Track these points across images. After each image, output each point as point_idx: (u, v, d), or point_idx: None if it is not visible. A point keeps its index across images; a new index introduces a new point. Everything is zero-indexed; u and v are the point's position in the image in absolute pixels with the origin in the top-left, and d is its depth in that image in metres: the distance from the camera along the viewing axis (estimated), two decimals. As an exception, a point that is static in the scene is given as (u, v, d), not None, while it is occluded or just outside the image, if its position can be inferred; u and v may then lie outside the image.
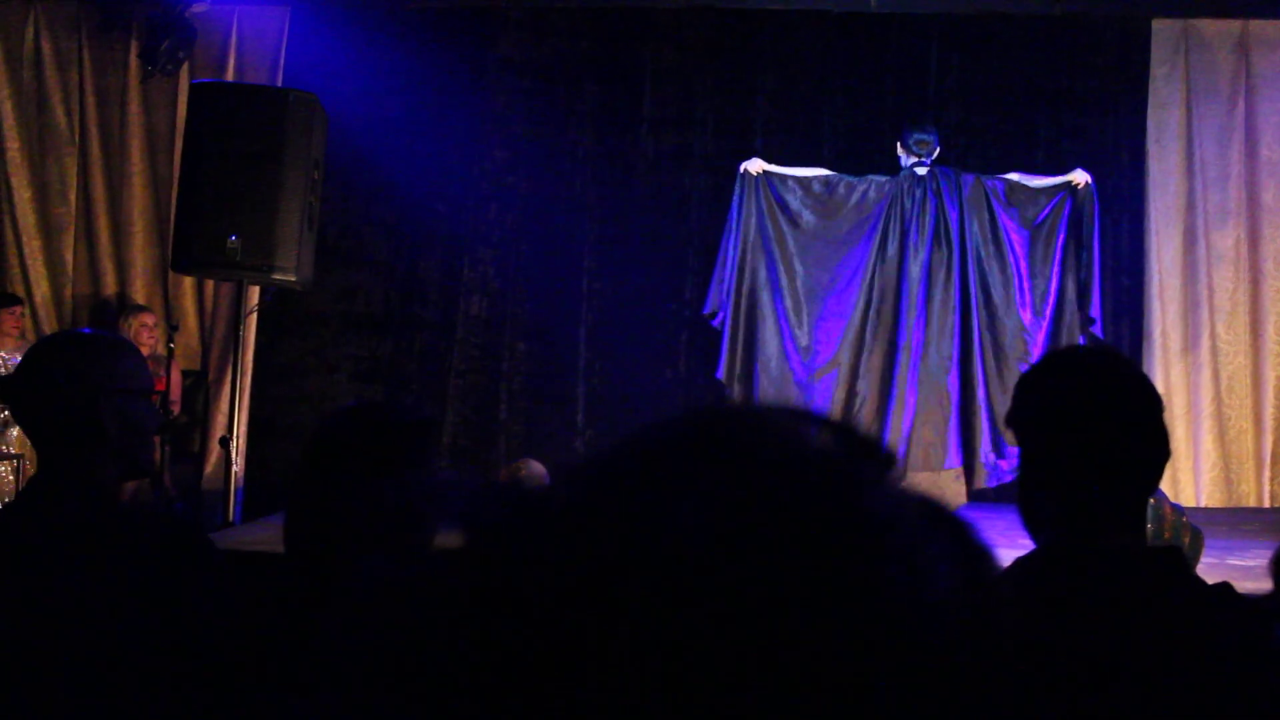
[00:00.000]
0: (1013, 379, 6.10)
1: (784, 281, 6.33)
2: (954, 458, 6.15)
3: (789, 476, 0.40)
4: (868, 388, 6.22)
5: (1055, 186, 6.35)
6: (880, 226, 6.29)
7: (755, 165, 6.47)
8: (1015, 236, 6.28)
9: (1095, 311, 6.26)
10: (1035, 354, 6.13)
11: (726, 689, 0.36)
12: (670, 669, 0.36)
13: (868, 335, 6.25)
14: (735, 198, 6.47)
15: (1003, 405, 6.13)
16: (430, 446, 1.72)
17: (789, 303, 6.32)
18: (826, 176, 6.48)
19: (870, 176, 6.46)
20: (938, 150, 6.41)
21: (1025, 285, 6.27)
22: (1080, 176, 6.32)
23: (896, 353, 6.17)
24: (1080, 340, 6.20)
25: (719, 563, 0.37)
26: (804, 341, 6.30)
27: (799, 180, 6.45)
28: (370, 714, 0.36)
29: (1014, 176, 6.47)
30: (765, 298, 6.32)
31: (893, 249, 6.26)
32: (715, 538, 0.38)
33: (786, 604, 0.37)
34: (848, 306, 6.28)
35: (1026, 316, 6.23)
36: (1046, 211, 6.30)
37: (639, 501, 0.39)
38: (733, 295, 6.37)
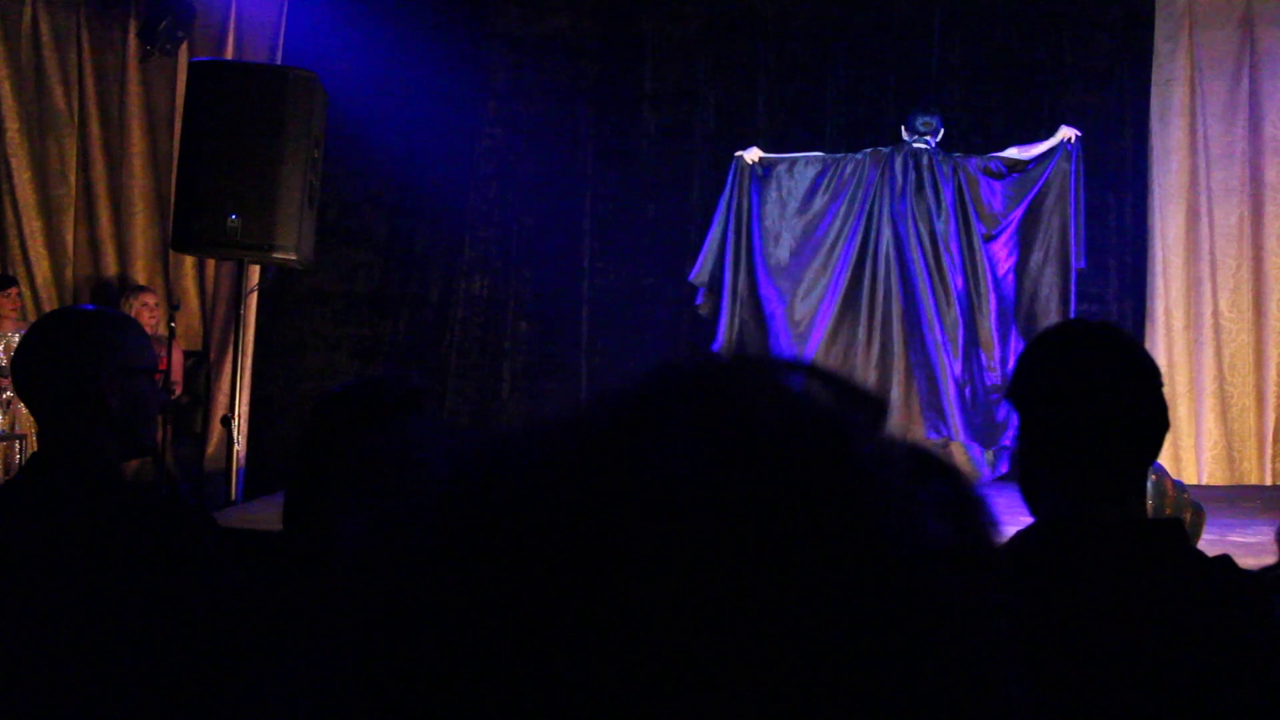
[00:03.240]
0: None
1: (773, 264, 6.38)
2: (943, 431, 6.20)
3: (775, 423, 0.40)
4: (857, 364, 6.26)
5: (1048, 152, 6.38)
6: (867, 206, 6.34)
7: (751, 154, 6.50)
8: (1003, 219, 6.34)
9: (1080, 261, 6.32)
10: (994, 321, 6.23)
11: (713, 643, 0.36)
12: (656, 623, 0.36)
13: (857, 311, 6.31)
14: (728, 182, 6.52)
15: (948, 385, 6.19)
16: (423, 412, 1.73)
17: (781, 284, 6.37)
18: (820, 160, 6.50)
19: (864, 152, 6.51)
20: (941, 132, 6.44)
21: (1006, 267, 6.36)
22: (1067, 131, 6.37)
23: (881, 328, 6.24)
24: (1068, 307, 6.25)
25: (703, 512, 0.37)
26: (796, 317, 6.36)
27: (791, 165, 6.48)
28: (357, 685, 0.35)
29: (1011, 151, 6.50)
30: (757, 279, 6.39)
31: (878, 226, 6.32)
32: (698, 486, 0.38)
33: (773, 554, 0.37)
34: (836, 284, 6.34)
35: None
36: (1036, 187, 6.35)
37: (621, 452, 0.39)
38: (729, 281, 6.43)
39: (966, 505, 0.43)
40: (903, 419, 6.18)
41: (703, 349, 7.61)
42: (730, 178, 6.53)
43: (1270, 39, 7.48)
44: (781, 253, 6.38)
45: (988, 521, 0.44)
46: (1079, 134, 6.38)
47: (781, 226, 6.40)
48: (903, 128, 6.50)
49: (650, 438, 0.39)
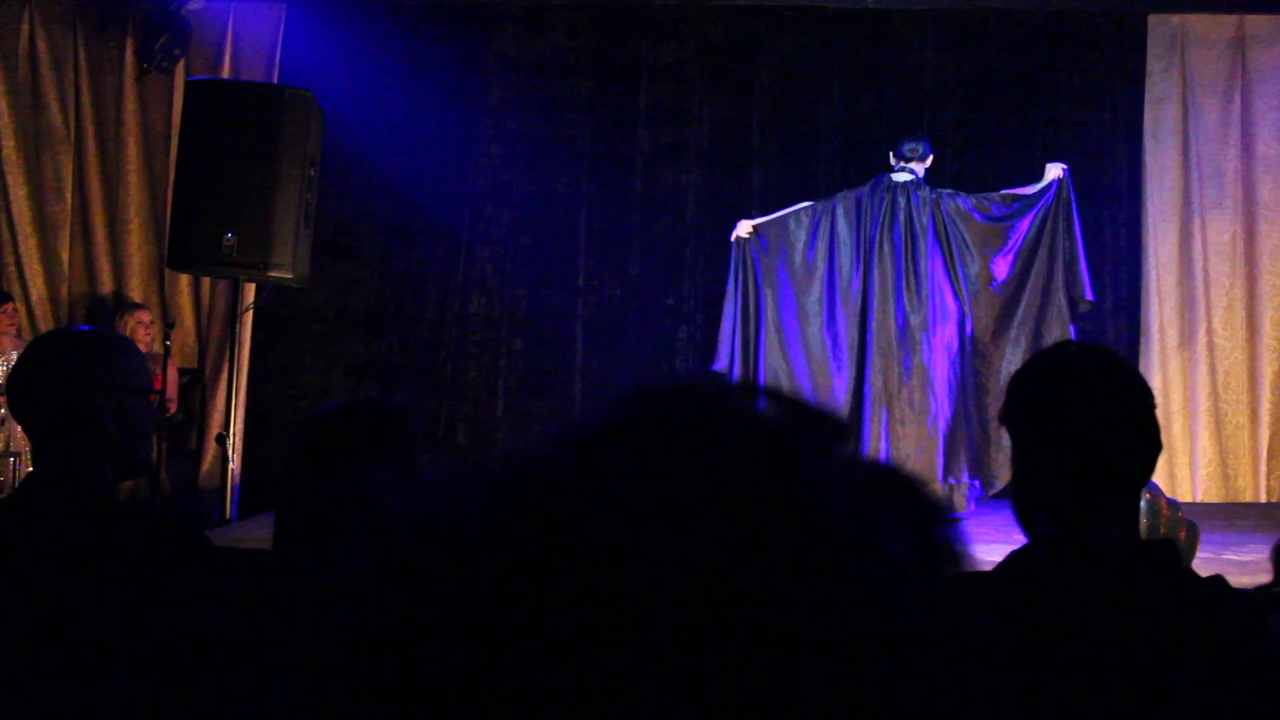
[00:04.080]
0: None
1: (775, 345, 6.34)
2: (939, 473, 6.13)
3: (728, 448, 0.41)
4: (846, 405, 6.20)
5: (1041, 190, 6.32)
6: (855, 245, 6.30)
7: (743, 228, 6.44)
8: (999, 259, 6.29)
9: (1089, 293, 6.26)
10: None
11: (669, 668, 0.36)
12: (613, 651, 0.37)
13: (845, 356, 6.26)
14: (731, 265, 6.44)
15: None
16: (409, 433, 1.74)
17: (792, 360, 6.32)
18: (810, 213, 6.43)
19: (843, 194, 6.44)
20: (930, 158, 6.40)
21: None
22: (1055, 169, 6.32)
23: (866, 369, 6.18)
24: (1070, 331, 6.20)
25: (656, 540, 0.38)
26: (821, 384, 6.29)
27: (780, 226, 6.42)
28: (336, 703, 0.36)
29: (1004, 193, 6.44)
30: (765, 363, 6.34)
31: (860, 266, 6.27)
32: (651, 515, 0.38)
33: (727, 579, 0.37)
34: (840, 339, 6.28)
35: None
36: (1030, 218, 6.30)
37: (578, 486, 0.40)
38: (739, 364, 6.38)
39: (929, 527, 0.44)
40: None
41: (701, 371, 7.62)
42: (732, 261, 6.44)
43: (1261, 58, 7.52)
44: (779, 328, 6.34)
45: (952, 544, 0.44)
46: (1066, 167, 6.33)
47: (779, 297, 6.35)
48: (891, 154, 6.48)
49: (602, 474, 0.40)
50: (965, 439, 6.16)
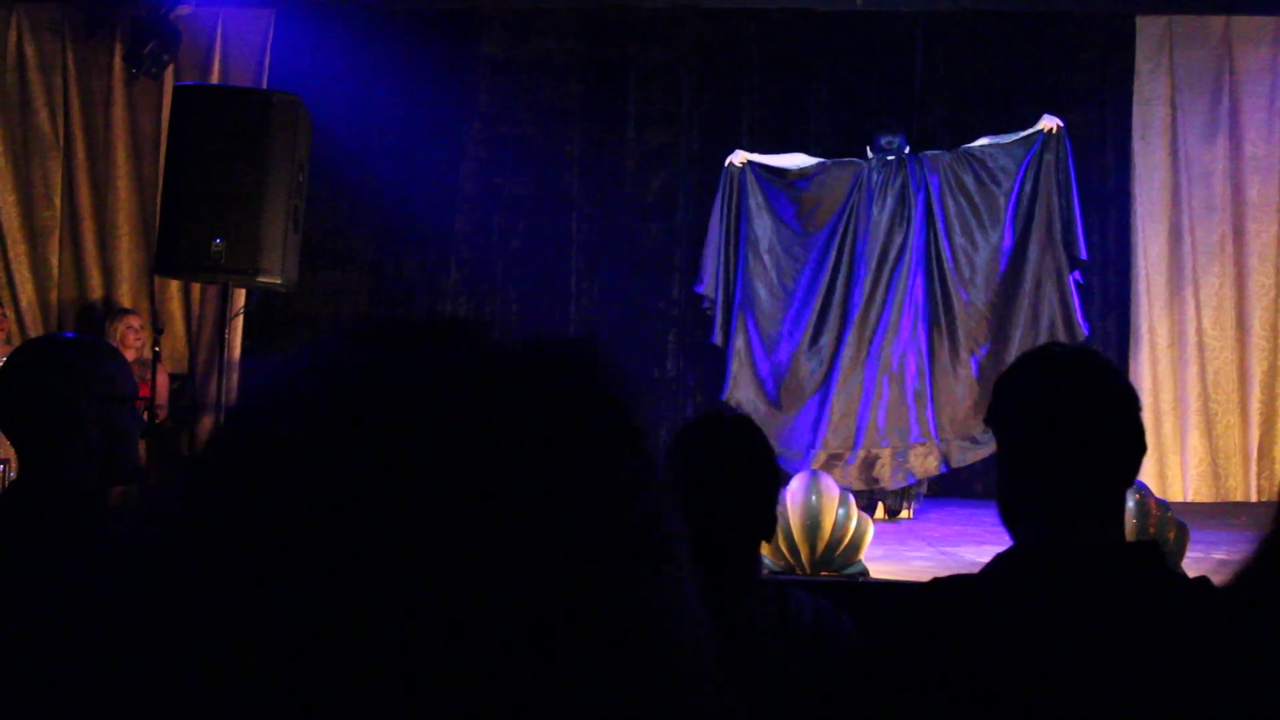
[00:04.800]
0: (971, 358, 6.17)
1: (757, 271, 6.45)
2: (914, 434, 6.20)
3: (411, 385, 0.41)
4: (824, 369, 6.28)
5: (1029, 137, 6.38)
6: (845, 213, 6.39)
7: (738, 157, 6.57)
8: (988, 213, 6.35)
9: (1083, 253, 6.31)
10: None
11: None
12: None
13: (828, 318, 6.35)
14: (719, 190, 6.59)
15: (948, 390, 6.21)
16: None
17: (762, 293, 6.43)
18: (804, 168, 6.55)
19: (847, 161, 6.56)
20: (906, 150, 6.47)
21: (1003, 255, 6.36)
22: (1050, 121, 6.36)
23: (846, 334, 6.27)
24: (1072, 281, 6.25)
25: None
26: (770, 330, 6.40)
27: (778, 171, 6.54)
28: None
29: (984, 141, 6.51)
30: (743, 290, 6.45)
31: (854, 234, 6.36)
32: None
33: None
34: (813, 293, 6.38)
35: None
36: (1019, 177, 6.36)
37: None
38: (720, 288, 6.49)
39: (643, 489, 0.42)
40: (873, 432, 6.19)
41: (693, 373, 7.64)
42: (720, 187, 6.60)
43: (1249, 59, 7.55)
44: (760, 265, 6.45)
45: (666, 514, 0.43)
46: (1061, 124, 6.36)
47: (764, 238, 6.47)
48: (868, 148, 6.54)
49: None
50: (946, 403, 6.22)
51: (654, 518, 0.41)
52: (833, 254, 6.40)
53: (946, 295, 6.30)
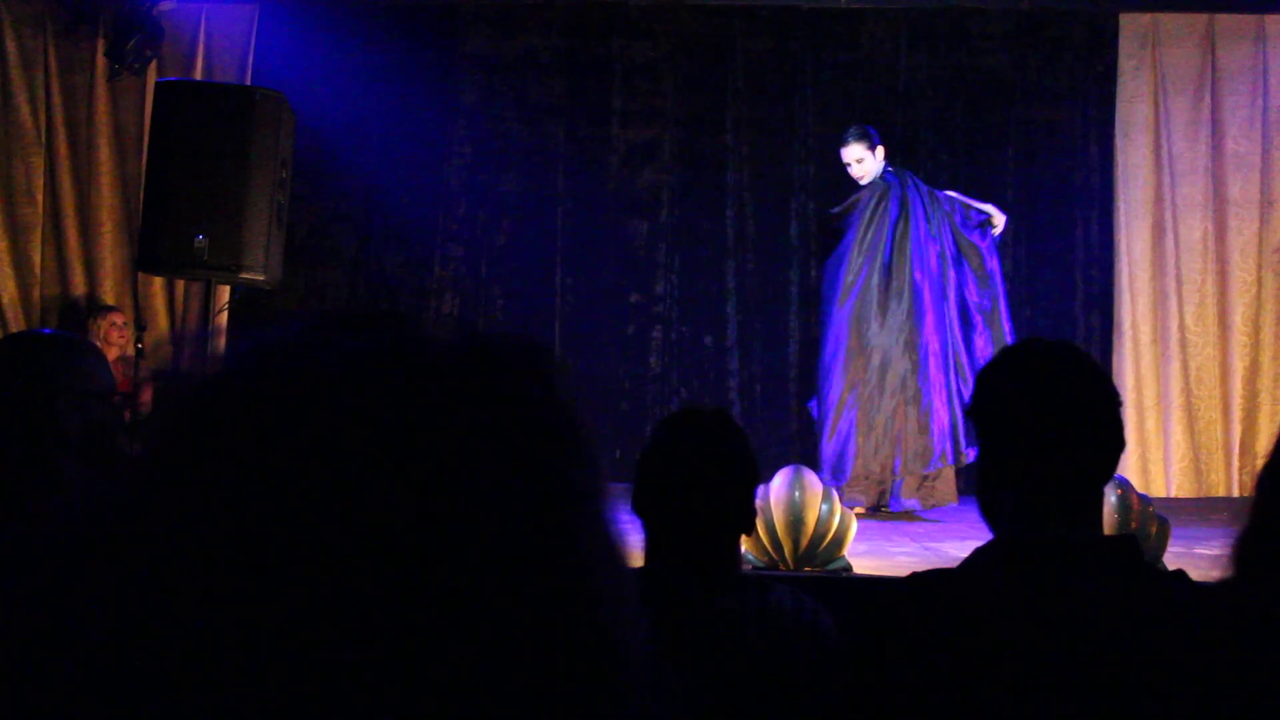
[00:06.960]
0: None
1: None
2: (934, 461, 6.14)
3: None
4: (854, 397, 6.18)
5: (983, 223, 6.31)
6: (855, 239, 6.29)
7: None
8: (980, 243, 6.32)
9: (1009, 336, 6.22)
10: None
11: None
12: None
13: (850, 340, 6.23)
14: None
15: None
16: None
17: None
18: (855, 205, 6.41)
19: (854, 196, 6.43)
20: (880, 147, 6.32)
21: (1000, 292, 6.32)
22: (999, 218, 6.26)
23: (869, 357, 6.17)
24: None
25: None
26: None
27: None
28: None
29: (953, 194, 6.42)
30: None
31: (862, 258, 6.28)
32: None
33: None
34: (843, 322, 6.27)
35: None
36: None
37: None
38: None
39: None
40: (887, 452, 6.13)
41: (677, 370, 7.64)
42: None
43: (1231, 57, 7.58)
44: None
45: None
46: (1005, 220, 6.27)
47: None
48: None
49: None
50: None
51: (565, 493, 0.42)
52: (844, 282, 6.27)
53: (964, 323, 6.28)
